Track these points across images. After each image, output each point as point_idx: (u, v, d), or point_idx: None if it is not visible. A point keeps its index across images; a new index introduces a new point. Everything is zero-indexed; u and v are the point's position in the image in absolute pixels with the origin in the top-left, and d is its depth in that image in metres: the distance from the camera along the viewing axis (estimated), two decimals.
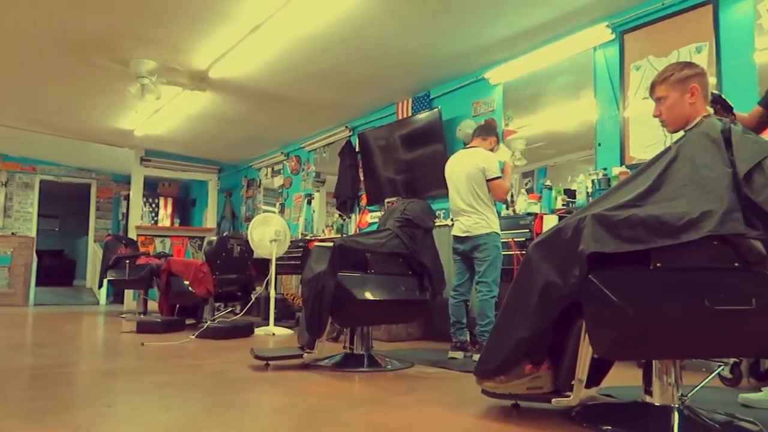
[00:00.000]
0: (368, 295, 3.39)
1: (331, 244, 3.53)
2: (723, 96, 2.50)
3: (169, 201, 11.98)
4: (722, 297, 1.95)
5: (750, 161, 2.00)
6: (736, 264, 1.99)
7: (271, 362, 3.47)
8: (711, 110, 2.33)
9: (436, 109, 5.94)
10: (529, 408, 2.37)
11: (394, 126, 6.53)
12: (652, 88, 2.41)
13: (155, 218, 11.73)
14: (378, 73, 5.95)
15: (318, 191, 8.11)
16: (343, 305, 3.34)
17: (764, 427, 2.08)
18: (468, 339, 3.98)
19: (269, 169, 9.47)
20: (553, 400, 2.14)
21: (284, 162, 9.04)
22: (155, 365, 3.52)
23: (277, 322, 5.90)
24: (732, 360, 3.00)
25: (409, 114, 6.38)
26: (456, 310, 3.97)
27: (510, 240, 4.23)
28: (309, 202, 8.04)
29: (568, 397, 2.10)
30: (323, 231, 7.53)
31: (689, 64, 2.40)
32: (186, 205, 12.29)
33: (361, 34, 5.00)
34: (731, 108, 2.52)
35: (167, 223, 11.78)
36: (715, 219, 1.92)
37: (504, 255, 4.00)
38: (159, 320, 5.63)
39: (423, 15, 4.66)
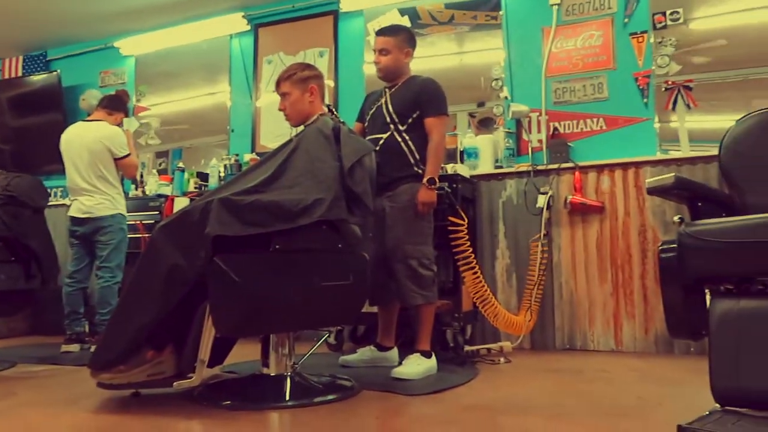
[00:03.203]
0: None
1: None
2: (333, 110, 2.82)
3: None
4: (329, 274, 2.24)
5: (353, 157, 2.33)
6: (340, 245, 2.31)
7: None
8: (326, 109, 2.64)
9: (54, 73, 5.22)
10: (151, 394, 2.31)
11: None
12: (278, 84, 2.60)
13: None
14: None
15: None
16: None
17: (356, 383, 2.46)
18: (86, 330, 3.64)
19: None
20: (174, 383, 2.12)
21: None
22: None
23: None
24: (336, 328, 3.47)
25: (20, 74, 5.47)
26: (72, 299, 3.58)
27: (138, 222, 4.02)
28: None
29: (191, 378, 2.12)
30: None
31: (310, 66, 2.66)
32: None
33: None
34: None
35: None
36: (324, 206, 2.18)
37: (130, 238, 3.78)
38: None
39: None
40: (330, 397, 2.27)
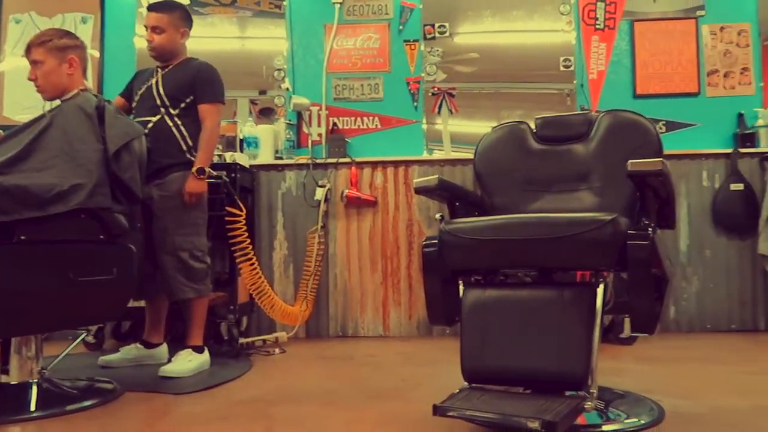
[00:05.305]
0: None
1: None
2: None
3: None
4: (87, 268, 2.03)
5: (120, 140, 2.13)
6: (102, 236, 2.10)
7: None
8: (88, 84, 2.37)
9: None
10: None
11: None
12: (28, 49, 2.28)
13: None
14: None
15: None
16: None
17: (119, 385, 2.27)
18: None
19: None
20: None
21: None
22: None
23: None
24: (96, 325, 3.16)
25: None
26: None
27: None
28: None
29: None
30: None
31: (69, 34, 2.37)
32: None
33: None
34: None
35: None
36: (84, 193, 1.97)
37: None
38: None
39: None
40: (87, 403, 2.07)
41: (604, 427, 1.73)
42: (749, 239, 3.45)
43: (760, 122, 3.54)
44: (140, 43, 3.94)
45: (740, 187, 3.46)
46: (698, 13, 3.72)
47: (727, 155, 3.52)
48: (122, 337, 3.34)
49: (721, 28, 3.70)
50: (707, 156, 3.55)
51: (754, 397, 2.05)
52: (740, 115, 3.62)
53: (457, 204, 2.06)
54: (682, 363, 2.69)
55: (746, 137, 3.54)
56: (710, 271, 3.50)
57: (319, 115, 3.78)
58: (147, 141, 2.43)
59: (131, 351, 2.74)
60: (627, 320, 2.92)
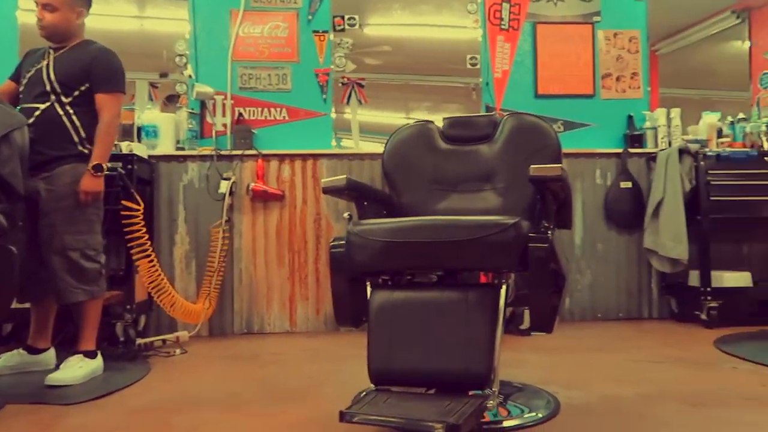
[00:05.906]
0: None
1: None
2: None
3: None
4: None
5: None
6: None
7: None
8: None
9: None
10: None
11: None
12: None
13: None
14: None
15: None
16: None
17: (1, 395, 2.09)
18: None
19: None
20: None
21: None
22: None
23: None
24: None
25: None
26: None
27: None
28: None
29: None
30: None
31: None
32: None
33: None
34: None
35: None
36: None
37: None
38: None
39: None
40: None
41: (505, 423, 1.79)
42: (636, 234, 3.69)
43: (647, 124, 3.80)
44: (25, 17, 3.61)
45: (629, 185, 3.70)
46: (595, 18, 3.92)
47: (618, 155, 3.75)
48: (2, 342, 3.08)
49: (615, 34, 3.92)
50: (600, 155, 3.76)
51: (638, 385, 2.20)
52: (630, 117, 3.86)
53: (366, 203, 2.05)
54: (576, 352, 2.84)
55: (635, 138, 3.78)
56: (602, 264, 3.72)
57: (223, 105, 3.63)
58: (30, 131, 2.22)
59: (13, 357, 2.51)
60: (527, 312, 3.05)
